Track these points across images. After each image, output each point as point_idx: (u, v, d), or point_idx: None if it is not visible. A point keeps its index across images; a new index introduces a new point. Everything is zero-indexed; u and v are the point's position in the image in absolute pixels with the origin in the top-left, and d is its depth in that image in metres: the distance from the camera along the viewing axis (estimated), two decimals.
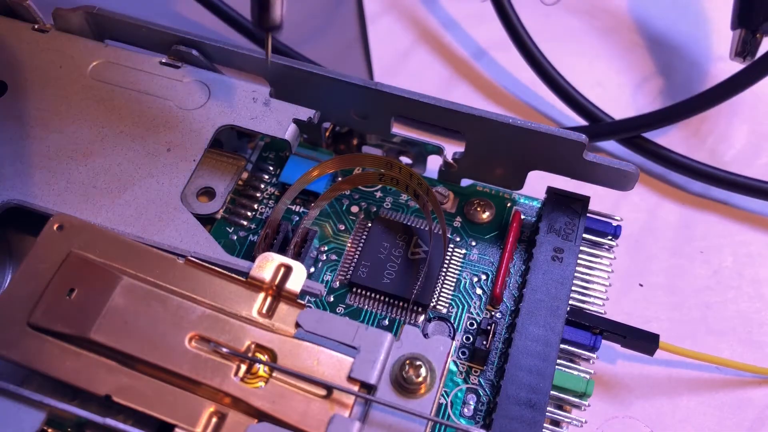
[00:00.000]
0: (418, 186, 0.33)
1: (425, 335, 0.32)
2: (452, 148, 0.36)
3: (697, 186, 0.42)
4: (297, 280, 0.29)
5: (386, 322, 0.33)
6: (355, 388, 0.27)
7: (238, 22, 0.43)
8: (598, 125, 0.42)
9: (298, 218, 0.36)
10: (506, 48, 0.44)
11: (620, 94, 0.46)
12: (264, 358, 0.27)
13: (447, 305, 0.33)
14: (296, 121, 0.33)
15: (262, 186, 0.36)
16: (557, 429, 0.30)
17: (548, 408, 0.30)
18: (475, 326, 0.33)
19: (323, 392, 0.27)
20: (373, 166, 0.34)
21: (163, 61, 0.35)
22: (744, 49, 0.39)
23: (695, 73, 0.47)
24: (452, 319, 0.33)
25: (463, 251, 0.35)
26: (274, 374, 0.27)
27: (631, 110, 0.45)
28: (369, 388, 0.27)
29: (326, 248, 0.35)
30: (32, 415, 0.26)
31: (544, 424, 0.29)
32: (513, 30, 0.43)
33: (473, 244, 0.35)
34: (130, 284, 0.28)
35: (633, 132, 0.41)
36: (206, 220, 0.35)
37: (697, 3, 0.49)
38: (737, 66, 0.40)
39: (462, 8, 0.49)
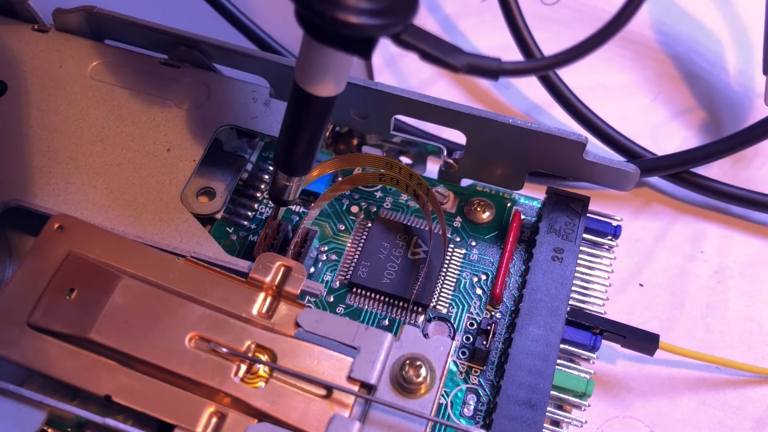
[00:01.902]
0: (418, 186, 0.33)
1: (425, 335, 0.32)
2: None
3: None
4: (297, 280, 0.29)
5: (386, 322, 0.33)
6: (355, 388, 0.27)
7: (242, 24, 0.43)
8: (640, 161, 0.40)
9: (298, 218, 0.36)
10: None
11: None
12: (264, 358, 0.27)
13: (447, 305, 0.33)
14: None
15: (262, 186, 0.36)
16: (557, 429, 0.30)
17: (548, 408, 0.30)
18: (475, 326, 0.33)
19: (323, 392, 0.27)
20: (373, 166, 0.34)
21: (163, 61, 0.35)
22: None
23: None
24: (452, 319, 0.33)
25: (463, 251, 0.35)
26: (274, 374, 0.27)
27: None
28: (369, 388, 0.27)
29: (326, 248, 0.35)
30: (32, 415, 0.26)
31: (544, 425, 0.29)
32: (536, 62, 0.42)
33: (473, 244, 0.35)
34: (130, 284, 0.28)
35: (679, 168, 0.40)
36: (206, 220, 0.35)
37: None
38: None
39: (468, 16, 0.49)
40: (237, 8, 0.43)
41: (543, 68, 0.25)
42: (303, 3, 0.23)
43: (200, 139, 0.33)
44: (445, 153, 0.36)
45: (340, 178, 0.36)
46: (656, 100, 0.46)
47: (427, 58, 0.24)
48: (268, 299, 0.29)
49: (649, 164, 0.40)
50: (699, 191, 0.41)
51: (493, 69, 0.24)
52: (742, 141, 0.40)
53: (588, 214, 0.34)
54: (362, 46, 0.24)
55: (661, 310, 0.38)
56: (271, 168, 0.37)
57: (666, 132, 0.45)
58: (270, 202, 0.36)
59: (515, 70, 0.25)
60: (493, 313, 0.33)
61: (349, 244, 0.35)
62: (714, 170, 0.42)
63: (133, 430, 0.26)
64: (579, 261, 0.33)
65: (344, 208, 0.36)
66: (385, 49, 0.47)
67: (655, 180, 0.43)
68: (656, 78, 0.47)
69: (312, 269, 0.34)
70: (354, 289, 0.34)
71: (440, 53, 0.24)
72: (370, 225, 0.35)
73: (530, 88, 0.46)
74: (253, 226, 0.35)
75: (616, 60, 0.47)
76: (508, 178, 0.35)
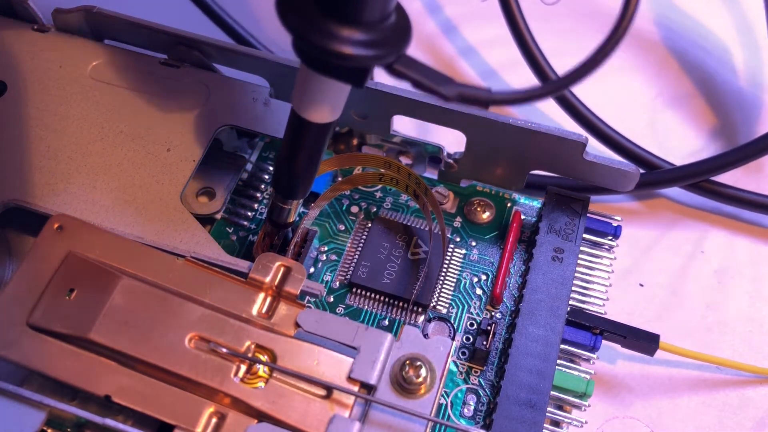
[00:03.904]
0: (417, 186, 0.33)
1: (425, 335, 0.32)
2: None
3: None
4: (297, 281, 0.29)
5: (386, 322, 0.33)
6: (355, 389, 0.27)
7: (226, 24, 0.43)
8: (660, 172, 0.40)
9: (298, 218, 0.36)
10: (520, 67, 0.42)
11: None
12: (264, 358, 0.27)
13: (447, 305, 0.33)
14: None
15: (262, 186, 0.36)
16: (557, 429, 0.30)
17: (548, 408, 0.30)
18: (475, 326, 0.33)
19: (323, 392, 0.27)
20: (371, 165, 0.34)
21: (163, 61, 0.35)
22: None
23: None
24: (452, 319, 0.33)
25: (463, 251, 0.35)
26: (274, 374, 0.27)
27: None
28: (369, 388, 0.27)
29: (326, 248, 0.35)
30: (32, 415, 0.26)
31: (545, 425, 0.29)
32: (541, 72, 0.41)
33: (473, 244, 0.35)
34: (130, 284, 0.28)
35: (698, 178, 0.39)
36: (206, 220, 0.35)
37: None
38: None
39: (468, 16, 0.49)
40: (218, 5, 0.43)
41: (532, 98, 0.26)
42: (300, 35, 0.24)
43: (200, 139, 0.33)
44: (445, 153, 0.36)
45: (340, 178, 0.36)
46: (657, 99, 0.46)
47: (419, 87, 0.25)
48: (268, 299, 0.29)
49: (667, 175, 0.39)
50: (710, 196, 0.41)
51: (482, 99, 0.25)
52: (761, 149, 0.39)
53: (588, 214, 0.34)
54: (356, 75, 0.25)
55: (662, 310, 0.38)
56: (271, 168, 0.37)
57: (665, 128, 0.45)
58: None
59: (505, 100, 0.25)
60: (493, 313, 0.33)
61: (349, 244, 0.35)
62: (726, 177, 0.42)
63: (133, 431, 0.26)
64: (579, 261, 0.33)
65: (344, 208, 0.36)
66: None
67: None
68: (657, 76, 0.47)
69: (312, 269, 0.34)
70: (354, 289, 0.34)
71: (431, 83, 0.25)
72: (370, 225, 0.35)
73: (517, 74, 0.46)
74: (253, 226, 0.35)
75: (615, 60, 0.47)
76: (508, 178, 0.35)
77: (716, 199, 0.40)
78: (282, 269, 0.29)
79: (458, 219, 0.36)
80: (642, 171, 0.41)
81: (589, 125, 0.41)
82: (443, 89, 0.25)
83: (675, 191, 0.42)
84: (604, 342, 0.32)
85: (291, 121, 0.28)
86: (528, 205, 0.36)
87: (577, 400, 0.31)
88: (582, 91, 0.41)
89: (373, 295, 0.33)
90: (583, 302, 0.33)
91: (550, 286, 0.32)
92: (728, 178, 0.41)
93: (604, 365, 0.37)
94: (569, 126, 0.42)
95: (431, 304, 0.33)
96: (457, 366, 0.32)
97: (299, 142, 0.29)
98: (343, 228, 0.35)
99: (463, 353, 0.32)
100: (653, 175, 0.39)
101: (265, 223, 0.33)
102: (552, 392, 0.30)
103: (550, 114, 0.45)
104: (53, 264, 0.29)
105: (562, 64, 0.43)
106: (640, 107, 0.46)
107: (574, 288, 0.32)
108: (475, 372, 0.32)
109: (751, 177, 0.43)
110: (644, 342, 0.32)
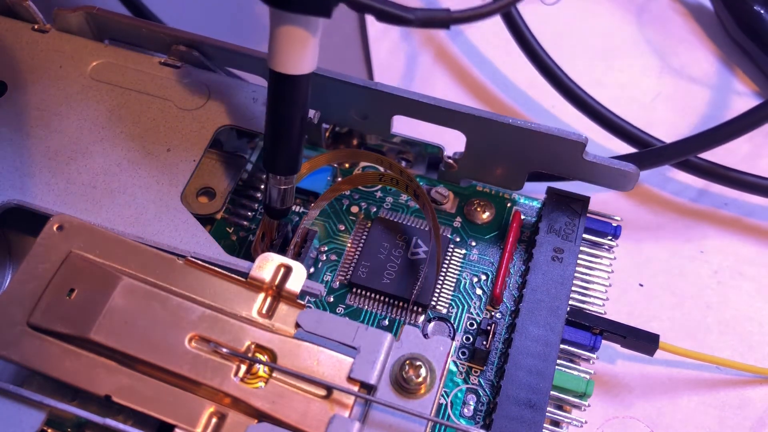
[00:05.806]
0: (410, 183, 0.33)
1: (425, 335, 0.32)
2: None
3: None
4: (297, 281, 0.29)
5: (386, 322, 0.33)
6: (355, 389, 0.27)
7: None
8: (649, 150, 0.39)
9: (298, 218, 0.36)
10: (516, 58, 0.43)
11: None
12: (264, 358, 0.27)
13: (447, 305, 0.33)
14: None
15: (262, 186, 0.36)
16: (557, 429, 0.30)
17: (548, 408, 0.30)
18: (475, 326, 0.33)
19: (323, 392, 0.27)
20: (364, 161, 0.35)
21: (163, 61, 0.35)
22: None
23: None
24: (452, 319, 0.33)
25: (463, 251, 0.35)
26: (274, 374, 0.27)
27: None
28: (369, 388, 0.27)
29: (326, 248, 0.35)
30: (32, 415, 0.26)
31: (544, 425, 0.29)
32: (537, 58, 0.42)
33: (473, 244, 0.35)
34: (130, 284, 0.28)
35: (688, 155, 0.39)
36: (206, 220, 0.35)
37: None
38: None
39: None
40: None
41: (491, 12, 0.27)
42: None
43: (200, 139, 0.33)
44: (445, 153, 0.36)
45: (340, 178, 0.36)
46: (657, 99, 0.46)
47: (383, 16, 0.26)
48: (268, 299, 0.29)
49: (653, 154, 0.39)
50: (703, 176, 0.40)
51: (443, 18, 0.26)
52: (751, 122, 0.38)
53: (588, 214, 0.34)
54: (321, 3, 0.26)
55: (661, 310, 0.38)
56: None
57: (667, 121, 0.45)
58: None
59: (464, 17, 0.27)
60: (493, 313, 0.33)
61: (349, 244, 0.35)
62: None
63: (133, 430, 0.26)
64: (579, 261, 0.33)
65: (344, 208, 0.36)
66: (385, 49, 0.47)
67: (656, 179, 0.43)
68: (657, 78, 0.47)
69: (312, 269, 0.34)
70: (354, 289, 0.34)
71: (394, 10, 0.26)
72: (370, 225, 0.35)
73: (532, 86, 0.46)
74: (253, 226, 0.35)
75: (617, 58, 0.47)
76: (508, 178, 0.35)
77: (714, 180, 0.40)
78: (282, 269, 0.29)
79: (458, 219, 0.36)
80: (635, 150, 0.41)
81: (581, 102, 0.41)
82: (407, 14, 0.26)
83: (675, 190, 0.42)
84: (603, 342, 0.32)
85: (270, 84, 0.29)
86: (528, 205, 0.36)
87: (576, 400, 0.31)
88: (587, 90, 0.42)
89: (373, 295, 0.33)
90: (583, 302, 0.33)
91: (550, 286, 0.32)
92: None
93: (604, 365, 0.37)
94: (569, 125, 0.42)
95: (431, 304, 0.33)
96: (457, 366, 0.32)
97: (280, 102, 0.29)
98: (343, 228, 0.35)
99: (463, 353, 0.32)
100: (645, 154, 0.39)
101: (263, 217, 0.33)
102: (552, 392, 0.30)
103: (550, 114, 0.45)
104: (53, 264, 0.29)
105: (562, 60, 0.43)
106: (640, 102, 0.46)
107: (574, 288, 0.32)
108: (475, 372, 0.32)
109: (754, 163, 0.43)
110: (644, 342, 0.32)
